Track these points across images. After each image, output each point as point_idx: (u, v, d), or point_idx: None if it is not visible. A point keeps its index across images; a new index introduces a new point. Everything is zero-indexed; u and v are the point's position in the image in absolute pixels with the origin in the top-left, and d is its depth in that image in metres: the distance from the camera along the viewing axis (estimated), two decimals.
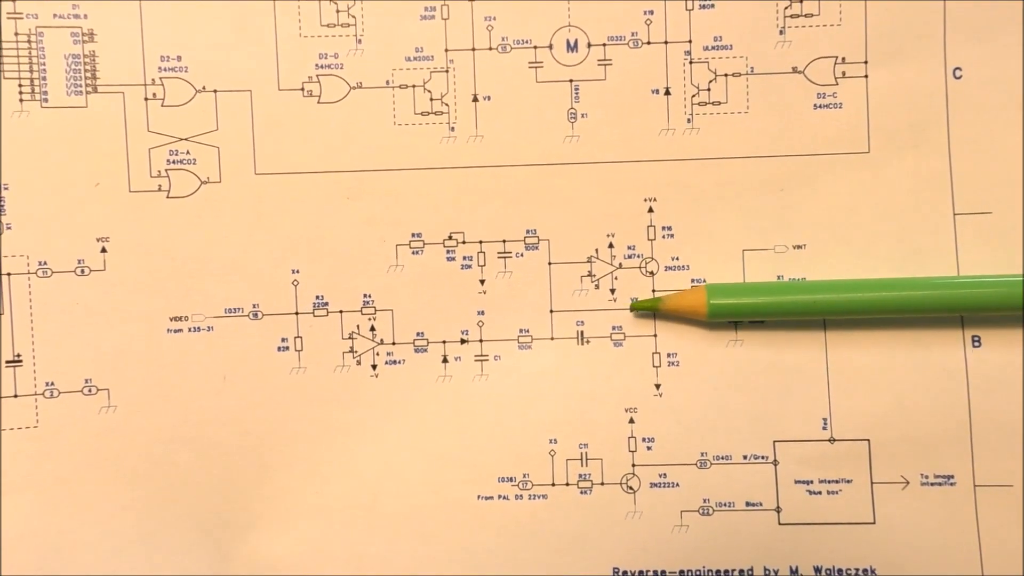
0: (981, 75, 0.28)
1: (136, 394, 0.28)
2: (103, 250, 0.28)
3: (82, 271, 0.28)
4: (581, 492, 0.29)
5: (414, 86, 0.29)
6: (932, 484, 0.28)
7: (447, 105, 0.29)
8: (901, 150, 0.29)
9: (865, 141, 0.29)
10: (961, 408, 0.28)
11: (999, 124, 0.28)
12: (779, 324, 0.28)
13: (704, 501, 0.28)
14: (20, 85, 0.28)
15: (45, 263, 0.28)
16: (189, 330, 0.29)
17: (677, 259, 0.29)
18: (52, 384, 0.28)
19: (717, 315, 0.28)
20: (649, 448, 0.29)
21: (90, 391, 0.28)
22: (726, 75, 0.29)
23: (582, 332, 0.29)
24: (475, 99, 0.29)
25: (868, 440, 0.28)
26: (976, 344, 0.28)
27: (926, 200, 0.28)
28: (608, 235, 0.29)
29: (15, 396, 0.28)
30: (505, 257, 0.29)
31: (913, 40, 0.29)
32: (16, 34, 0.28)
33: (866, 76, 0.29)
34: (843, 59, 0.29)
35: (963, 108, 0.28)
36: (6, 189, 0.28)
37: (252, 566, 0.28)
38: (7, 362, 0.28)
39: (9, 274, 0.28)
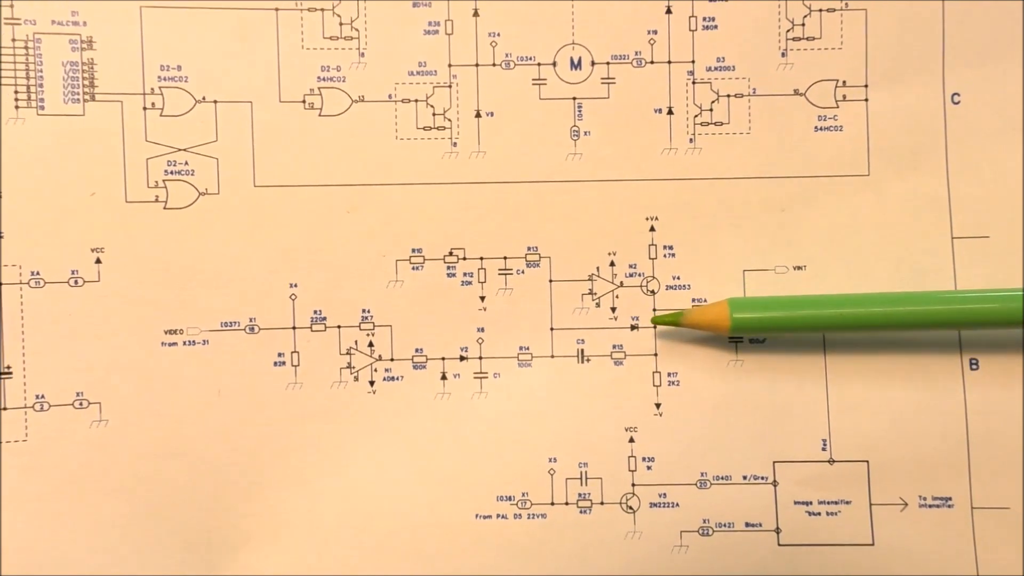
0: (979, 100, 0.29)
1: (128, 408, 0.28)
2: (98, 261, 0.28)
3: (76, 282, 0.28)
4: (580, 511, 0.28)
5: (417, 100, 0.29)
6: (930, 506, 0.28)
7: (450, 120, 0.29)
8: (900, 173, 0.29)
9: (865, 164, 0.29)
10: (959, 431, 0.28)
11: (997, 149, 0.29)
12: (779, 345, 0.28)
13: (704, 521, 0.28)
14: (16, 92, 0.27)
15: (38, 273, 0.28)
16: (184, 344, 0.28)
17: (678, 278, 0.29)
18: (42, 397, 0.28)
19: (740, 329, 0.27)
20: (649, 468, 0.28)
21: (81, 405, 0.28)
22: (728, 96, 0.29)
23: (582, 350, 0.29)
24: (478, 115, 0.29)
25: (867, 461, 0.28)
26: (974, 367, 0.28)
27: (925, 223, 0.29)
28: (609, 253, 0.29)
29: (4, 409, 0.27)
30: (506, 274, 0.29)
31: (912, 65, 0.29)
32: (13, 40, 0.27)
33: (866, 99, 0.29)
34: (844, 82, 0.29)
35: (961, 133, 0.29)
36: (0, 197, 0.27)
37: None
38: None
39: (1, 284, 0.27)
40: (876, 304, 0.27)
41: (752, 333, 0.28)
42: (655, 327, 0.29)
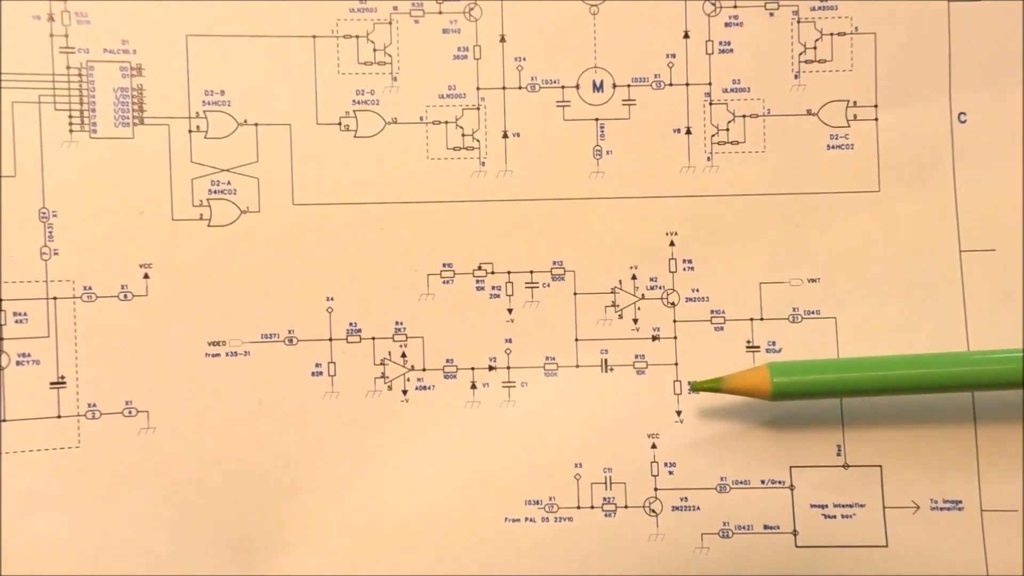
0: (984, 120, 0.30)
1: (174, 416, 0.29)
2: (146, 276, 0.29)
3: (125, 296, 0.29)
4: (605, 515, 0.30)
5: (447, 122, 0.30)
6: (941, 509, 0.29)
7: (478, 141, 0.30)
8: (910, 189, 0.30)
9: (875, 180, 0.30)
10: (968, 437, 0.29)
11: (1002, 166, 0.30)
12: (795, 355, 0.30)
13: (724, 524, 0.29)
14: (71, 116, 0.29)
15: (90, 288, 0.29)
16: (226, 355, 0.29)
17: (697, 291, 0.30)
18: (94, 405, 0.29)
19: (781, 394, 0.28)
20: (671, 473, 0.30)
21: (130, 413, 0.29)
22: (744, 116, 0.30)
23: (606, 360, 0.30)
24: (505, 135, 0.30)
25: (880, 466, 0.29)
26: None
27: (933, 237, 0.30)
28: (631, 267, 0.30)
29: (58, 417, 0.29)
30: (532, 287, 0.30)
31: (920, 86, 0.30)
32: (68, 68, 0.29)
33: (876, 119, 0.30)
34: (855, 103, 0.30)
35: (968, 150, 0.30)
36: (55, 216, 0.29)
37: None
38: (51, 383, 0.29)
39: (55, 298, 0.29)
40: (921, 366, 0.28)
41: (793, 397, 0.29)
42: (675, 339, 0.30)
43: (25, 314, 0.29)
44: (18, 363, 0.29)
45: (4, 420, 0.28)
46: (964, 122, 0.30)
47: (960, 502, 0.29)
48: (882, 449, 0.29)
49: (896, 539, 0.29)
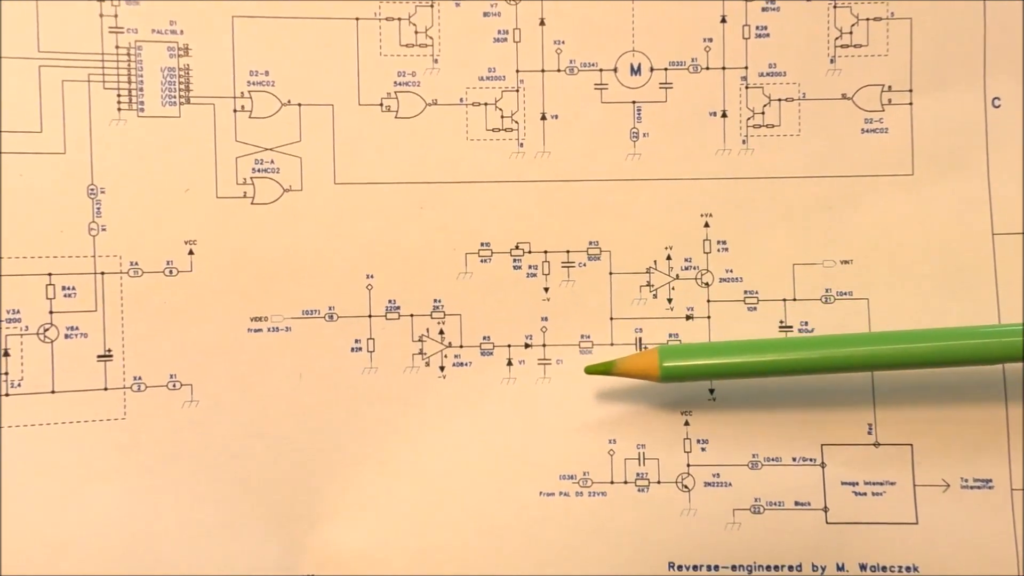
0: (1018, 104, 0.30)
1: (218, 390, 0.30)
2: (190, 252, 0.30)
3: (170, 272, 0.30)
4: (638, 490, 0.30)
5: (486, 104, 0.31)
6: (972, 487, 0.30)
7: (517, 122, 0.31)
8: (943, 173, 0.30)
9: (909, 164, 0.30)
10: (999, 417, 0.30)
11: None
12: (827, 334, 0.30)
13: (755, 500, 0.30)
14: (119, 95, 0.30)
15: (136, 263, 0.30)
16: (268, 330, 0.30)
17: (731, 271, 0.31)
18: (140, 378, 0.30)
19: (670, 377, 0.28)
20: (703, 449, 0.30)
21: (175, 386, 0.30)
22: (779, 100, 0.31)
23: (640, 339, 0.31)
24: (543, 117, 0.31)
25: (911, 445, 0.30)
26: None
27: (966, 220, 0.30)
28: (666, 248, 0.31)
29: (105, 389, 0.29)
30: (569, 267, 0.31)
31: (955, 71, 0.30)
32: (117, 47, 0.30)
33: (911, 103, 0.30)
34: (889, 87, 0.31)
35: (1001, 135, 0.30)
36: (103, 193, 0.29)
37: (322, 556, 0.30)
38: (98, 356, 0.29)
39: (103, 273, 0.29)
40: (812, 348, 0.28)
41: (683, 379, 0.29)
42: (709, 319, 0.30)
43: (74, 288, 0.29)
44: (67, 336, 0.29)
45: (53, 391, 0.29)
46: (998, 107, 0.30)
47: (990, 481, 0.30)
48: (913, 428, 0.30)
49: (926, 517, 0.30)
